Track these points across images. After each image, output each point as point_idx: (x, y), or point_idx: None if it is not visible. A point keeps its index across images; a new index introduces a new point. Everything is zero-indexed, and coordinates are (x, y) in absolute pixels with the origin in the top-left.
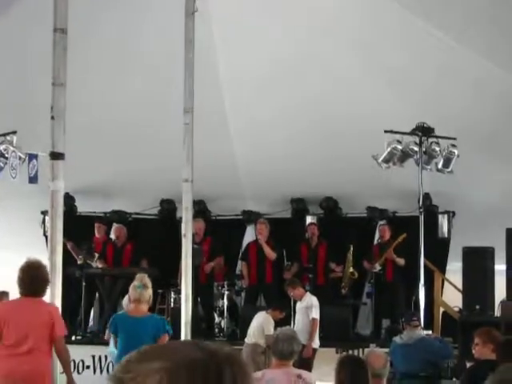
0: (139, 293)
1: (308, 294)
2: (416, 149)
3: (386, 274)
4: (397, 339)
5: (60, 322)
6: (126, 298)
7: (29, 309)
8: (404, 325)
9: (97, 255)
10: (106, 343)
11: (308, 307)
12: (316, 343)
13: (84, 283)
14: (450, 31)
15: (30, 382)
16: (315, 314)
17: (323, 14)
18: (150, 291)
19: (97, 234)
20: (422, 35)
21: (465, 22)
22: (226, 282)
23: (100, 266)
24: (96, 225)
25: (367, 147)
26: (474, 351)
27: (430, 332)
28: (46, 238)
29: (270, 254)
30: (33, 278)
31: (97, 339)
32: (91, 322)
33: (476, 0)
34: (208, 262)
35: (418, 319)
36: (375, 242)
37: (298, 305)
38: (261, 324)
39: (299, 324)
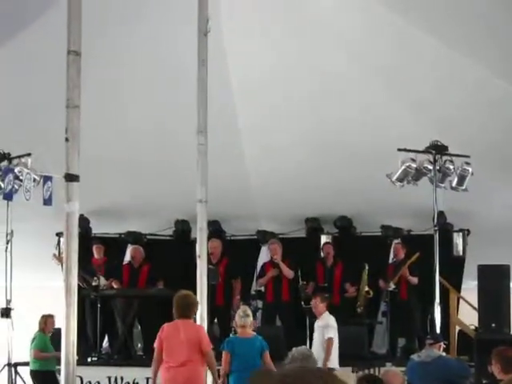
0: (244, 320)
1: (327, 313)
2: (430, 167)
3: (400, 292)
4: (414, 357)
5: (206, 339)
6: None
7: (182, 329)
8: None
9: (101, 277)
10: (120, 364)
11: (324, 327)
12: (333, 363)
13: (99, 305)
14: (462, 47)
15: None
16: (331, 333)
17: (344, 38)
18: (251, 318)
19: (96, 256)
20: (441, 57)
21: (484, 42)
22: (241, 303)
23: (115, 286)
24: (95, 246)
25: (381, 166)
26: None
27: (444, 354)
28: None
29: (288, 272)
30: (183, 305)
31: (112, 360)
32: (106, 344)
33: (500, 27)
34: (224, 282)
35: (433, 338)
36: (390, 260)
37: (316, 323)
38: None
39: (316, 343)
